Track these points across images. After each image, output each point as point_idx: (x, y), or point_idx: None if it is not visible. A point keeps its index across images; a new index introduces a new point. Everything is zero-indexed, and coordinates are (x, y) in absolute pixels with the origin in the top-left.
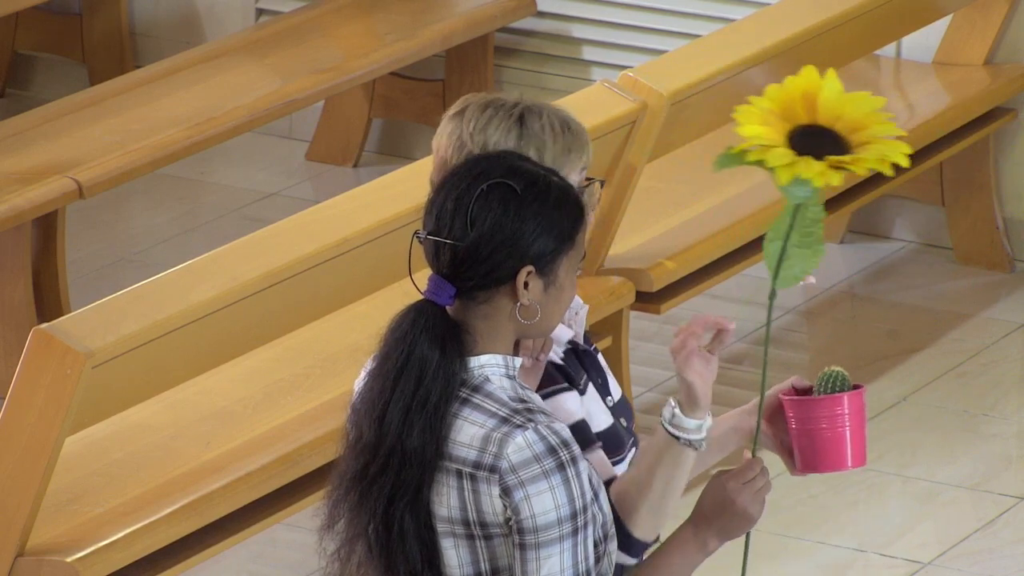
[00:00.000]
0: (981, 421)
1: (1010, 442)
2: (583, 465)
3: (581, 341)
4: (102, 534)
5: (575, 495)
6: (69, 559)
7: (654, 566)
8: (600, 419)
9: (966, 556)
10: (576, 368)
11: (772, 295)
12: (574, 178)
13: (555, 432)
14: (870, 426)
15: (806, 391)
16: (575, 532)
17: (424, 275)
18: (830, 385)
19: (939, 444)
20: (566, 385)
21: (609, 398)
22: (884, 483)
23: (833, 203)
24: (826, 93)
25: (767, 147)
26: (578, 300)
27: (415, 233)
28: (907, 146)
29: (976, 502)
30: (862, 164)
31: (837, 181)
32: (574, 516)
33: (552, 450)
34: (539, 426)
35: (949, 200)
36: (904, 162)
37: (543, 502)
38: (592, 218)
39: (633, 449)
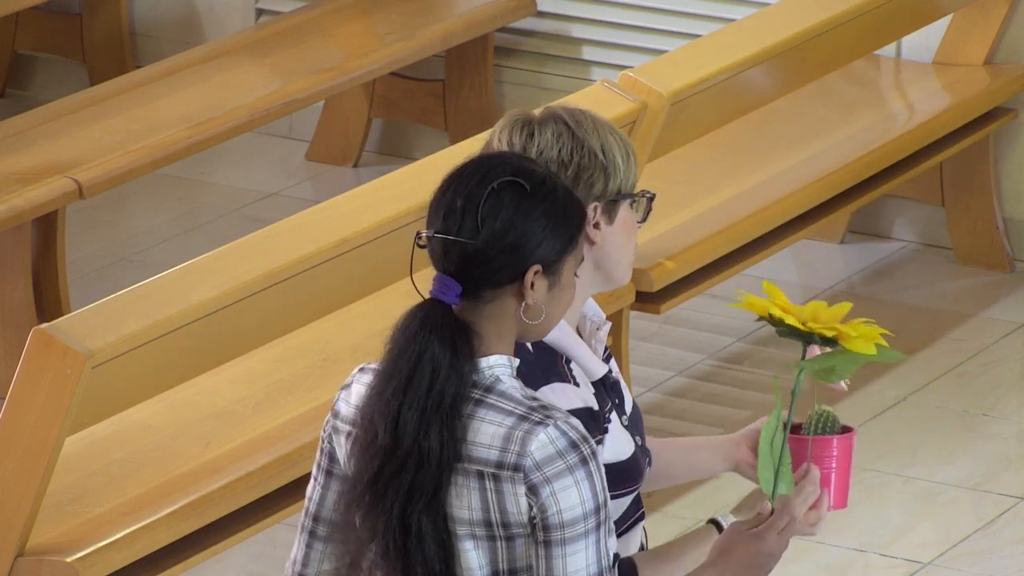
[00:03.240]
0: (981, 421)
1: (1010, 442)
2: (601, 460)
3: (601, 358)
4: (102, 534)
5: (597, 489)
6: (69, 559)
7: None
8: (623, 448)
9: (966, 556)
10: (603, 399)
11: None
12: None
13: (574, 427)
14: (871, 426)
15: (795, 428)
16: (598, 527)
17: (420, 277)
18: (820, 425)
19: (939, 444)
20: (597, 439)
21: (624, 416)
22: (884, 483)
23: (833, 203)
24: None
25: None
26: (600, 315)
27: (417, 234)
28: (884, 343)
29: (976, 502)
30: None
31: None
32: (597, 510)
33: (574, 445)
34: (559, 422)
35: (949, 200)
36: (871, 349)
37: (569, 497)
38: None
39: (648, 468)
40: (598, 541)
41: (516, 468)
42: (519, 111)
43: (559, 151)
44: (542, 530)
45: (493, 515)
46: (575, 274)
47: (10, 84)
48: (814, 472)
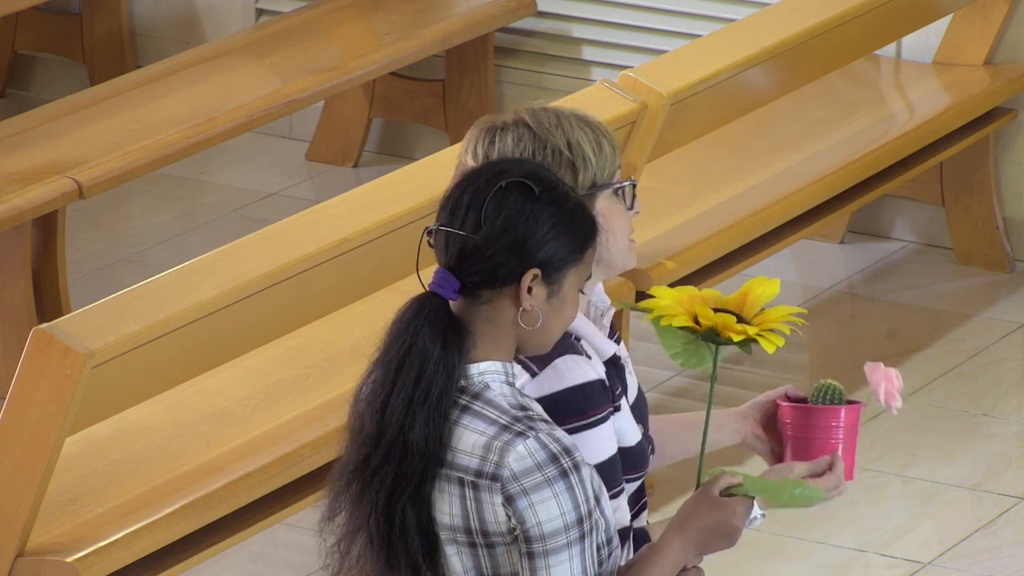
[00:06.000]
0: (981, 421)
1: (1010, 442)
2: (586, 471)
3: (606, 342)
4: (102, 534)
5: (579, 501)
6: (69, 559)
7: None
8: (630, 435)
9: (966, 556)
10: (614, 380)
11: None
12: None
13: (556, 440)
14: (871, 426)
15: (799, 401)
16: (582, 538)
17: (429, 273)
18: (827, 398)
19: (939, 444)
20: (608, 411)
21: (625, 400)
22: (884, 483)
23: (833, 203)
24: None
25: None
26: (605, 301)
27: (426, 229)
28: (780, 339)
29: (976, 502)
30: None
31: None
32: (580, 522)
33: (554, 458)
34: (540, 434)
35: (949, 200)
36: (769, 348)
37: (548, 509)
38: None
39: (652, 456)
40: (583, 552)
41: (494, 478)
42: (486, 119)
43: (520, 154)
44: (524, 542)
45: (472, 523)
46: (581, 291)
47: (10, 84)
48: (840, 466)
